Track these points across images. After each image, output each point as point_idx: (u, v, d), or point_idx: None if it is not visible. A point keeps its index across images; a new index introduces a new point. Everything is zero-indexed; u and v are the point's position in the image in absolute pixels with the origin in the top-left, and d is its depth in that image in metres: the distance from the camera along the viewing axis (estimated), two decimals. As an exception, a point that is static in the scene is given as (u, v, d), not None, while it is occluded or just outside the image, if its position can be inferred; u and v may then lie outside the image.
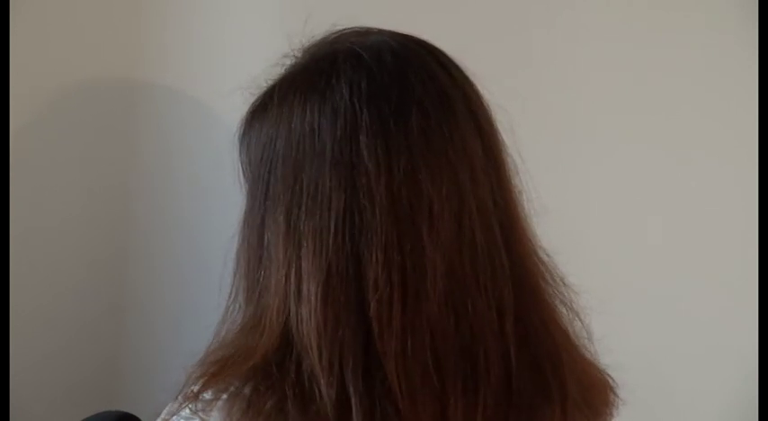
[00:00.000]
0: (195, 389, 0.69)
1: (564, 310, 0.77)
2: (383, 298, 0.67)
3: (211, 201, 1.44)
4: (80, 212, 1.52)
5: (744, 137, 1.19)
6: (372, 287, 0.67)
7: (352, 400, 0.66)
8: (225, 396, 0.68)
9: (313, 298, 0.68)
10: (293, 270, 0.69)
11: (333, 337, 0.67)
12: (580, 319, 0.78)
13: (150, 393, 0.77)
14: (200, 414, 0.68)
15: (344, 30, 0.77)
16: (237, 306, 0.74)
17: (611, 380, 0.81)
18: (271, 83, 0.76)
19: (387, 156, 0.69)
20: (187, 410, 0.69)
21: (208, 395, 0.68)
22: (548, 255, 0.77)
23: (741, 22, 1.18)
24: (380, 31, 0.76)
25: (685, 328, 1.22)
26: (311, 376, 0.67)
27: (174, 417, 0.69)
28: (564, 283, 0.77)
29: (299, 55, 0.77)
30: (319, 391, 0.66)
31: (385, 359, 0.67)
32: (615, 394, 0.81)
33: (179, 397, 0.70)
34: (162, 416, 0.72)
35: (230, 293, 0.75)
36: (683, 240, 1.23)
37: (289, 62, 0.77)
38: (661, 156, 1.23)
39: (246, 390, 0.67)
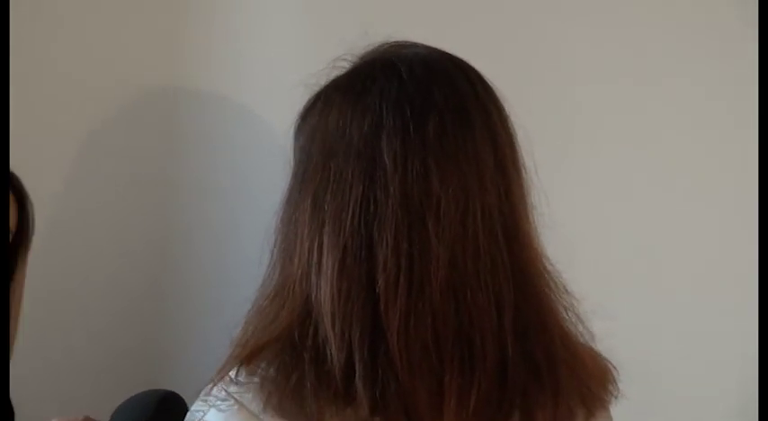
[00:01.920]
0: (231, 371, 0.75)
1: (567, 315, 0.82)
2: (390, 279, 0.73)
3: (250, 194, 1.50)
4: (126, 203, 1.57)
5: (746, 145, 1.21)
6: (382, 268, 0.74)
7: (357, 366, 0.72)
8: (256, 379, 0.74)
9: (330, 271, 0.75)
10: (315, 245, 0.76)
11: (344, 308, 0.73)
12: (582, 323, 0.83)
13: (191, 372, 0.82)
14: (235, 395, 0.74)
15: (394, 42, 0.84)
16: (273, 273, 0.81)
17: (612, 371, 0.85)
18: (324, 83, 0.84)
19: (403, 155, 0.75)
20: (223, 392, 0.75)
21: (242, 377, 0.74)
22: (552, 264, 0.82)
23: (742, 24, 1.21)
24: (425, 46, 0.83)
25: (681, 331, 1.26)
26: (324, 340, 0.73)
27: (211, 397, 0.76)
28: (566, 290, 0.83)
29: (350, 60, 0.84)
30: (331, 354, 0.73)
31: (388, 333, 0.73)
32: (615, 383, 0.85)
33: (216, 379, 0.76)
34: (200, 397, 0.78)
35: (269, 264, 0.81)
36: (681, 246, 1.26)
37: (344, 64, 0.84)
38: (658, 167, 1.27)
39: (272, 371, 0.74)
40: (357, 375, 0.72)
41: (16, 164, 1.39)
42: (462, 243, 0.75)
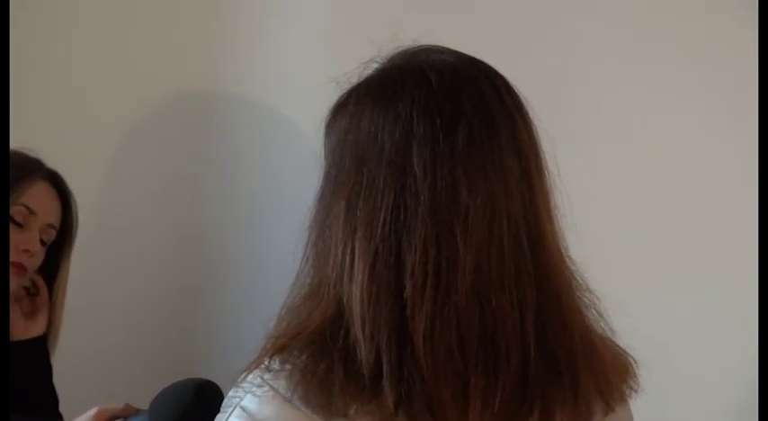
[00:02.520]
0: (266, 358, 0.78)
1: (588, 313, 0.84)
2: (417, 284, 0.75)
3: (279, 192, 1.53)
4: (161, 203, 1.63)
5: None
6: (410, 274, 0.75)
7: (384, 367, 0.74)
8: (288, 365, 0.76)
9: (361, 275, 0.76)
10: (348, 249, 0.78)
11: (374, 312, 0.75)
12: (603, 320, 0.85)
13: (225, 363, 0.85)
14: (269, 381, 0.77)
15: (423, 46, 0.85)
16: (306, 271, 0.82)
17: (633, 366, 0.87)
18: (354, 82, 0.85)
19: (432, 164, 0.77)
20: (258, 378, 0.78)
21: (275, 365, 0.77)
22: (574, 264, 0.84)
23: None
24: (452, 52, 0.85)
25: (699, 327, 1.27)
26: (355, 341, 0.76)
27: (247, 383, 0.78)
28: (588, 289, 0.84)
29: (380, 62, 0.86)
30: (360, 355, 0.75)
31: (415, 336, 0.75)
32: (636, 377, 0.87)
33: (252, 366, 0.79)
34: (236, 383, 0.80)
35: (302, 259, 0.83)
36: (699, 246, 1.28)
37: (374, 66, 0.86)
38: (676, 169, 1.29)
39: (304, 357, 0.76)
40: (384, 376, 0.74)
41: (58, 165, 1.44)
42: (488, 250, 0.77)
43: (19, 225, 1.37)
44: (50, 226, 1.41)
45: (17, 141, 1.42)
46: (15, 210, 1.36)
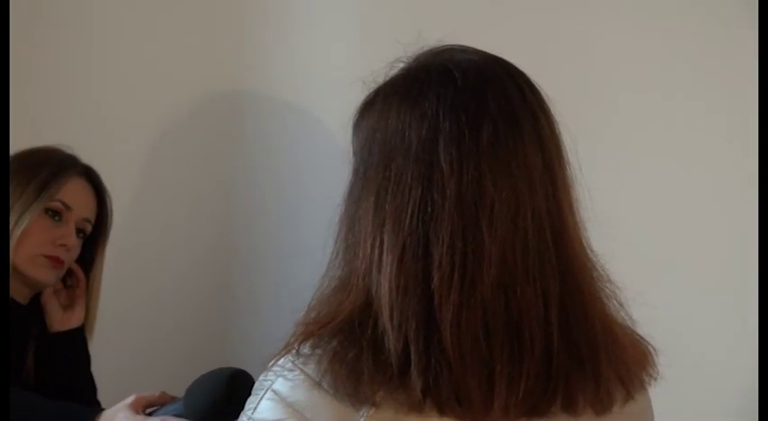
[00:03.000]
0: (296, 344, 0.80)
1: (610, 303, 0.86)
2: (444, 275, 0.78)
3: (308, 189, 1.57)
4: (194, 200, 1.66)
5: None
6: (437, 266, 0.78)
7: (412, 356, 0.76)
8: (318, 350, 0.79)
9: (389, 268, 0.79)
10: (377, 242, 0.80)
11: (402, 302, 0.78)
12: (623, 309, 0.87)
13: (256, 352, 0.88)
14: (299, 365, 0.79)
15: (447, 46, 0.88)
16: (337, 263, 0.84)
17: (652, 354, 0.88)
18: (381, 82, 0.88)
19: (459, 160, 0.79)
20: (289, 362, 0.80)
21: (306, 349, 0.80)
22: (595, 255, 0.86)
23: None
24: (476, 51, 0.87)
25: (716, 317, 1.29)
26: (383, 331, 0.78)
27: (278, 368, 0.81)
28: (609, 280, 0.86)
29: (405, 62, 0.88)
30: (389, 345, 0.77)
31: (442, 326, 0.77)
32: (655, 365, 0.88)
33: (282, 351, 0.82)
34: (268, 367, 0.83)
35: (332, 252, 0.85)
36: (716, 238, 1.30)
37: (400, 65, 0.88)
38: (688, 165, 1.32)
39: (334, 344, 0.78)
40: (412, 364, 0.76)
41: (94, 163, 1.48)
42: (512, 242, 0.79)
43: (56, 220, 1.41)
44: (86, 220, 1.46)
45: (52, 142, 1.46)
46: (52, 206, 1.40)
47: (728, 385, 1.26)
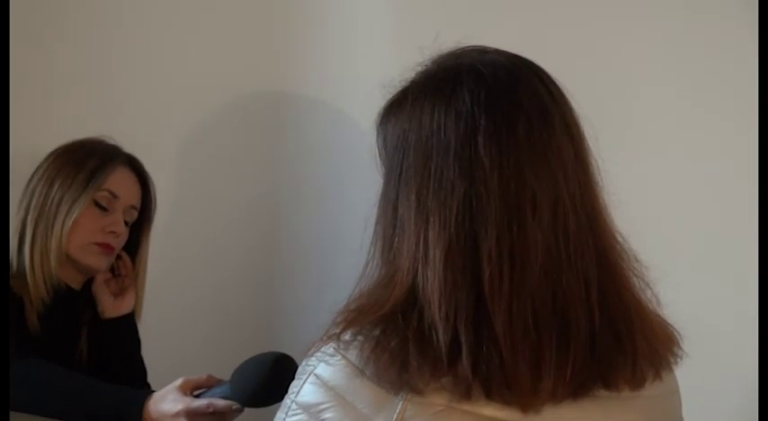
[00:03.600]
0: (337, 331, 0.83)
1: (636, 282, 0.88)
2: (495, 267, 0.80)
3: (345, 189, 1.63)
4: (236, 196, 1.73)
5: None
6: (486, 258, 0.80)
7: (463, 346, 0.78)
8: (360, 337, 0.82)
9: (437, 262, 0.81)
10: (422, 239, 0.82)
11: (450, 296, 0.80)
12: (650, 289, 0.90)
13: (297, 342, 0.91)
14: (341, 351, 0.82)
15: (467, 47, 0.91)
16: (375, 264, 0.87)
17: (677, 336, 0.91)
18: (404, 84, 0.90)
19: (498, 154, 0.82)
20: (331, 348, 0.83)
21: (347, 336, 0.83)
22: (623, 238, 0.89)
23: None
24: (496, 51, 0.90)
25: (735, 297, 1.32)
26: (431, 325, 0.80)
27: (320, 353, 0.84)
28: (636, 260, 0.89)
29: (429, 64, 0.91)
30: (437, 337, 0.79)
31: (494, 316, 0.79)
32: (680, 347, 0.91)
33: (324, 338, 0.84)
34: (310, 353, 0.85)
35: (369, 254, 0.87)
36: (734, 222, 1.33)
37: (420, 69, 0.91)
38: (711, 152, 1.35)
39: (376, 332, 0.81)
40: (463, 355, 0.78)
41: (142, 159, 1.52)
42: (555, 229, 0.82)
43: (104, 209, 1.48)
44: (132, 207, 1.52)
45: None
46: (100, 196, 1.46)
47: (752, 366, 1.25)
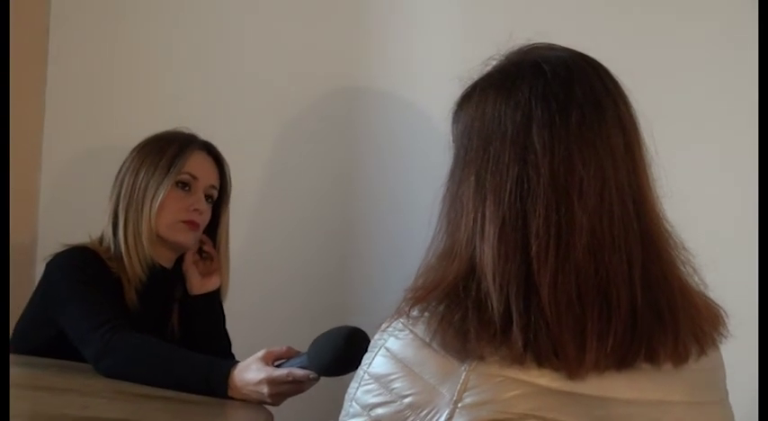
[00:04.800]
0: (407, 308, 0.90)
1: (684, 268, 0.93)
2: (542, 244, 0.86)
3: (413, 176, 1.70)
4: (318, 183, 1.82)
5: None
6: (535, 235, 0.86)
7: (514, 314, 0.84)
8: (427, 313, 0.87)
9: (491, 237, 0.87)
10: (479, 215, 0.89)
11: (503, 268, 0.86)
12: (697, 274, 0.94)
13: (371, 313, 0.98)
14: (409, 326, 0.89)
15: (537, 44, 0.97)
16: (440, 237, 0.93)
17: (723, 315, 0.95)
18: (477, 77, 0.97)
19: (551, 141, 0.88)
20: (400, 324, 0.89)
21: (415, 312, 0.88)
22: (671, 225, 0.94)
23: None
24: (563, 48, 0.96)
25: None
26: (486, 294, 0.86)
27: (390, 328, 0.90)
28: (684, 247, 0.94)
29: (499, 58, 0.97)
30: (492, 306, 0.85)
31: (540, 288, 0.85)
32: (725, 326, 0.95)
33: (394, 315, 0.91)
34: (381, 329, 0.91)
35: (437, 227, 0.94)
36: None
37: (493, 63, 0.97)
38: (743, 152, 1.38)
39: (441, 308, 0.87)
40: (514, 322, 0.84)
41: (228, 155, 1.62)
42: (600, 213, 0.87)
43: (186, 190, 1.59)
44: (212, 186, 1.64)
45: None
46: (181, 178, 1.59)
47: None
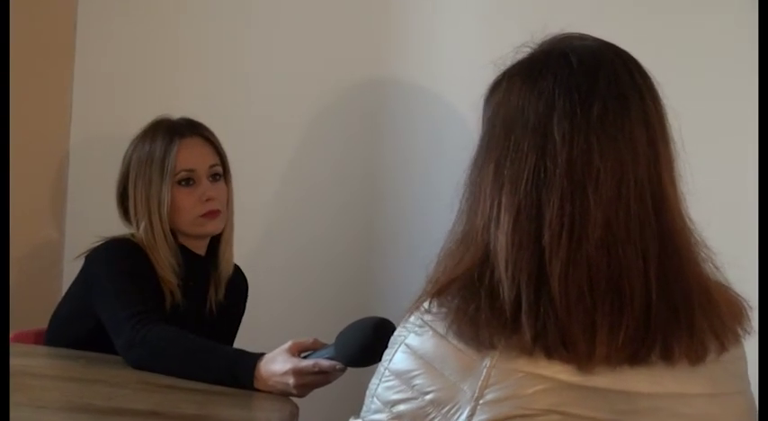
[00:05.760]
0: (425, 304, 0.91)
1: (705, 265, 0.92)
2: (554, 234, 0.86)
3: (436, 164, 1.72)
4: (340, 174, 1.84)
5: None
6: (548, 225, 0.87)
7: (523, 303, 0.85)
8: (444, 309, 0.88)
9: (506, 225, 0.88)
10: (495, 202, 0.89)
11: (516, 256, 0.87)
12: (719, 271, 0.93)
13: (396, 302, 0.98)
14: (428, 322, 0.89)
15: (567, 34, 0.96)
16: (460, 220, 0.93)
17: (746, 310, 0.94)
18: (509, 64, 0.96)
19: (570, 132, 0.88)
20: (419, 320, 0.90)
21: (434, 308, 0.89)
22: (693, 223, 0.93)
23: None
24: (594, 39, 0.95)
25: None
26: (498, 282, 0.87)
27: (410, 324, 0.91)
28: (705, 245, 0.93)
29: (530, 47, 0.96)
30: (503, 294, 0.86)
31: (551, 279, 0.85)
32: (749, 321, 0.94)
33: (413, 308, 0.92)
34: (401, 324, 0.92)
35: (458, 211, 0.94)
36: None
37: (525, 50, 0.96)
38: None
39: (457, 301, 0.88)
40: (523, 311, 0.84)
41: (247, 163, 1.64)
42: (616, 207, 0.87)
43: (191, 184, 1.59)
44: (212, 166, 1.63)
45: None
46: (180, 177, 1.58)
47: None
